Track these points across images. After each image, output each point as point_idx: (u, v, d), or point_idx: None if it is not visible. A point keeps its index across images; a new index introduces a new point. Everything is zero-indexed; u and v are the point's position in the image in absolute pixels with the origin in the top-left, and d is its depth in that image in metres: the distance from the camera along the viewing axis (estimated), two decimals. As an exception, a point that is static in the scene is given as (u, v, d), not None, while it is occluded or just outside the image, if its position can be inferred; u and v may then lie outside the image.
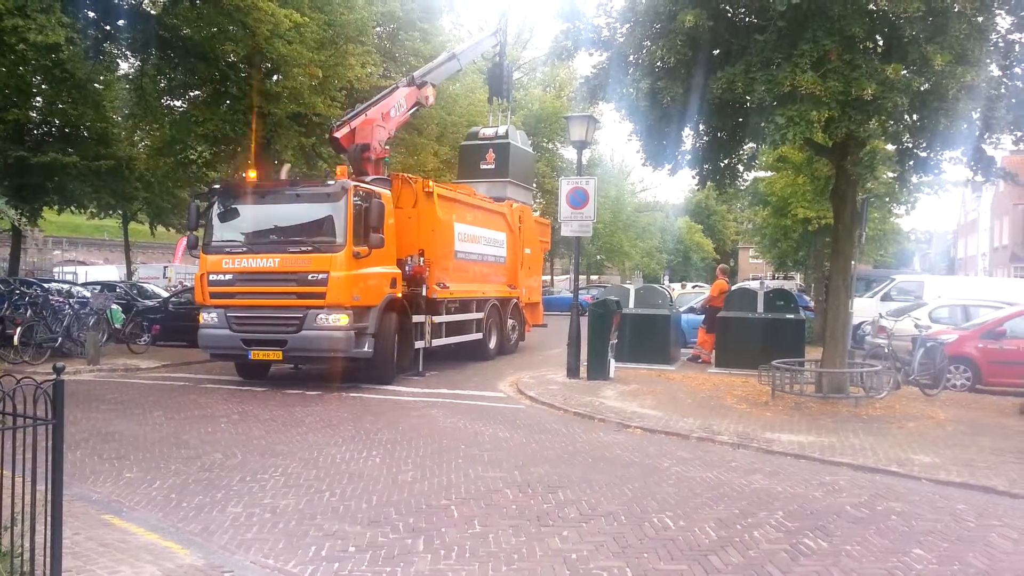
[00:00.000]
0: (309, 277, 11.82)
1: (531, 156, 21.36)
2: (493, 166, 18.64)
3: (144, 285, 26.06)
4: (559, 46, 11.58)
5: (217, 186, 13.49)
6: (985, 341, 13.31)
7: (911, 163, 11.13)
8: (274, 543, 5.33)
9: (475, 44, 21.70)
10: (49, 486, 3.93)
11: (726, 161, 12.21)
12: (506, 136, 18.88)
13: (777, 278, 44.31)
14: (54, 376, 3.92)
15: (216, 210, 12.70)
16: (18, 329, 14.38)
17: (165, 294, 23.04)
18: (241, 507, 6.12)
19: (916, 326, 13.97)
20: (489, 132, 19.31)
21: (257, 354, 12.24)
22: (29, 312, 15.12)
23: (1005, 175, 11.63)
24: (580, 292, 15.25)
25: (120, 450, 8.05)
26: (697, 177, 12.47)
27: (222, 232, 12.65)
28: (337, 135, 14.20)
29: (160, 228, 30.02)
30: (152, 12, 18.43)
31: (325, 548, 5.25)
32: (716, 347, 15.58)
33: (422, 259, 13.98)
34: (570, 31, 11.33)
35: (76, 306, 16.33)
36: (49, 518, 3.92)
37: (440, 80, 19.32)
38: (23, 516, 4.02)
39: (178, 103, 21.32)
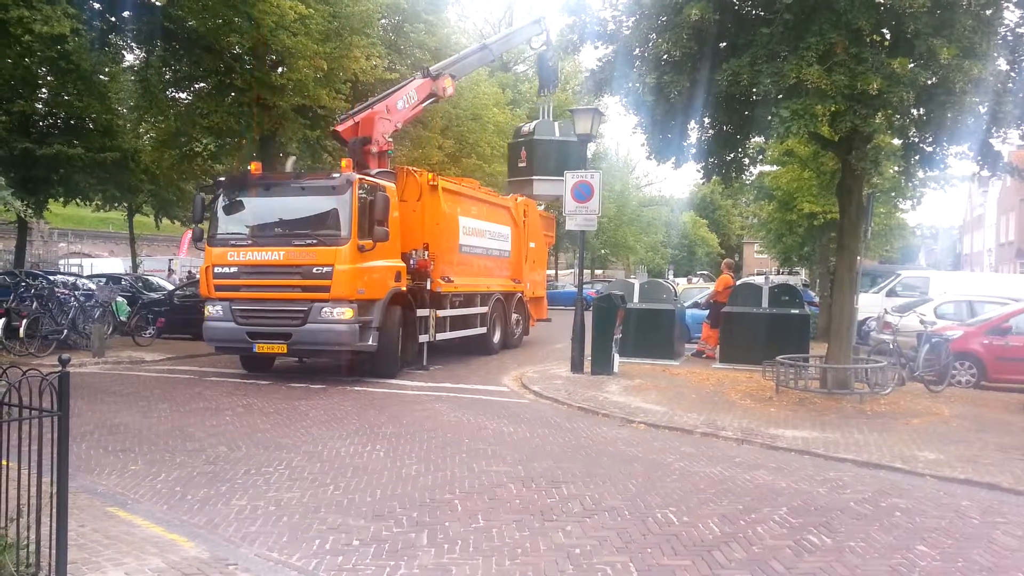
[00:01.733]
0: (314, 270, 11.82)
1: (569, 145, 20.32)
2: (525, 164, 18.84)
3: (149, 278, 26.11)
4: (565, 39, 11.58)
5: (222, 179, 13.49)
6: (990, 337, 13.28)
7: (917, 158, 11.08)
8: (278, 536, 5.35)
9: (512, 32, 21.40)
10: (54, 478, 3.95)
11: (731, 155, 12.17)
12: (532, 133, 18.93)
13: (782, 273, 44.20)
14: (59, 368, 3.94)
15: (221, 203, 12.70)
16: (24, 321, 14.41)
17: (170, 287, 23.08)
18: (246, 500, 6.14)
19: (921, 322, 13.92)
20: (526, 129, 19.41)
21: (262, 347, 12.26)
22: (35, 304, 15.15)
23: (1012, 170, 11.57)
24: (584, 287, 15.22)
25: (125, 442, 8.08)
26: (702, 171, 12.44)
27: (227, 225, 12.65)
28: (339, 129, 14.17)
29: (165, 221, 30.13)
30: (157, 3, 18.40)
31: (329, 541, 5.26)
32: (720, 342, 15.53)
33: (426, 253, 13.96)
34: (576, 24, 11.30)
35: (81, 298, 16.36)
36: (54, 510, 3.94)
37: (467, 72, 19.16)
38: (28, 508, 4.05)
39: (183, 95, 21.32)
